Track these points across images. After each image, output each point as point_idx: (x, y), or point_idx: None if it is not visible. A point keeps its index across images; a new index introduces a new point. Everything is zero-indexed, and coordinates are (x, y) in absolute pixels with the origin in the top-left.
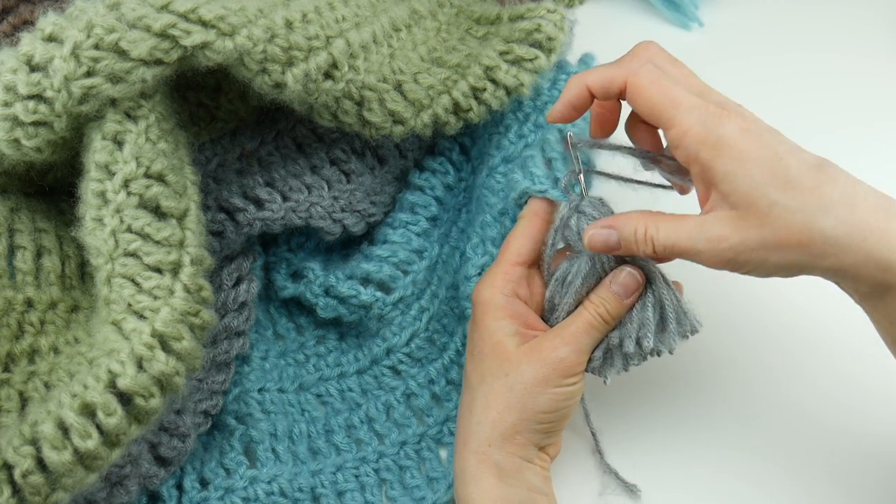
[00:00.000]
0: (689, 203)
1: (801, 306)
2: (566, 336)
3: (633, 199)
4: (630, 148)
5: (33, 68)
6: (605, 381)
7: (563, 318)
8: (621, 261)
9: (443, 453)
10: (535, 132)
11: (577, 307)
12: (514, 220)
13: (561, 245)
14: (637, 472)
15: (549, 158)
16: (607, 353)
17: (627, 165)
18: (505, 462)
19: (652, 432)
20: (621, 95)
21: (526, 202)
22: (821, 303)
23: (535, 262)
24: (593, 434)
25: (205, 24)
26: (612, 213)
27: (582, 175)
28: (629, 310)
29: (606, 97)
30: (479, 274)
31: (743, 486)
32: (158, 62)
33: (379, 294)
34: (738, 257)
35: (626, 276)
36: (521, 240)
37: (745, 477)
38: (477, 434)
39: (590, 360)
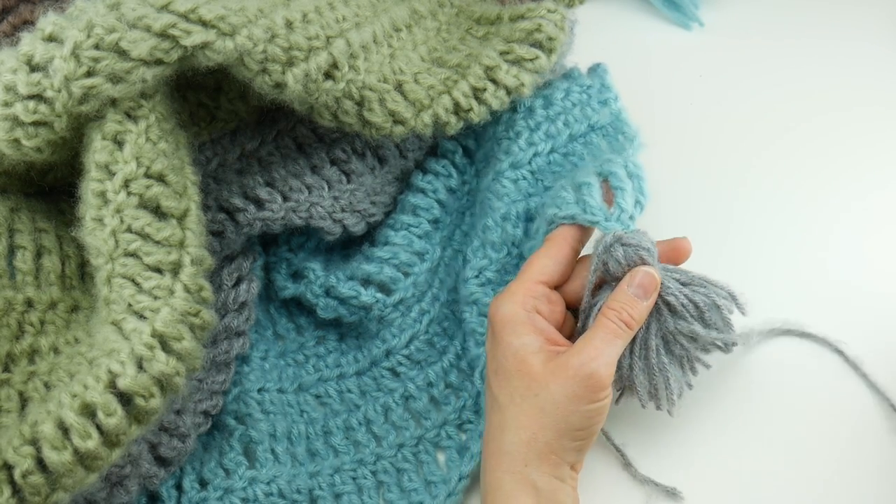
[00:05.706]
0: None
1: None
2: (592, 351)
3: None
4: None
5: (33, 68)
6: (670, 412)
7: None
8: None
9: (440, 457)
10: (546, 141)
11: None
12: (515, 226)
13: (599, 272)
14: (673, 475)
15: (616, 188)
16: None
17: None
18: (541, 483)
19: (670, 431)
20: None
21: (557, 225)
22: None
23: (556, 285)
24: (618, 449)
25: (205, 24)
26: (653, 243)
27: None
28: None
29: None
30: (478, 276)
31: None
32: (159, 62)
33: (379, 295)
34: None
35: (642, 276)
36: (546, 260)
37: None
38: (511, 454)
39: (654, 396)
